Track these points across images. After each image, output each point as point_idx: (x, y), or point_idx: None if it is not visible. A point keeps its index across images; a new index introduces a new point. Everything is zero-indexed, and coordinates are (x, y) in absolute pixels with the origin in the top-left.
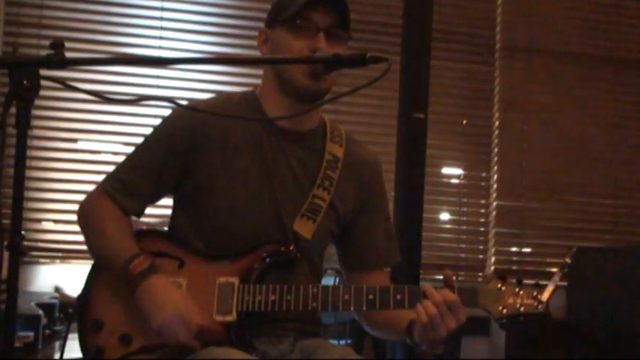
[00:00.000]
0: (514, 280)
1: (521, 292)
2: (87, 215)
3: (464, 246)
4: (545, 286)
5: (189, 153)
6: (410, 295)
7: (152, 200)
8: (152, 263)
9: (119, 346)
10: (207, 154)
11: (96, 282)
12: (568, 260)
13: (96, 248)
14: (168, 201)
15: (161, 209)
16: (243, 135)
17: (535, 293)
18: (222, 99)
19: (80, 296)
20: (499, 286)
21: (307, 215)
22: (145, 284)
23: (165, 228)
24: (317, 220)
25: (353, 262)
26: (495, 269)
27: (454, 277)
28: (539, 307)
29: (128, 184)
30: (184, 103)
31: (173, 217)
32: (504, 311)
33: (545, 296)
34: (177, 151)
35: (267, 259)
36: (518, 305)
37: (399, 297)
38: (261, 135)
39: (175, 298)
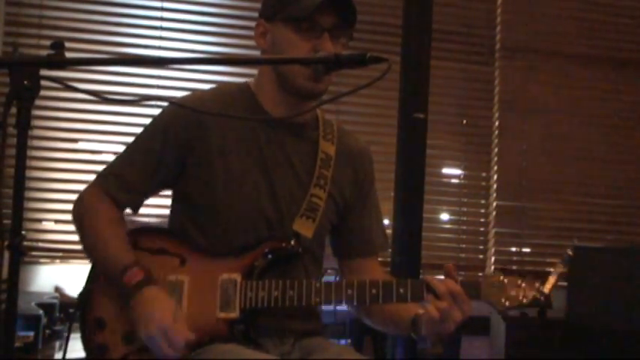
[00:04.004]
0: (516, 273)
1: (523, 285)
2: (82, 213)
3: (464, 246)
4: (547, 277)
5: (186, 146)
6: (412, 288)
7: (149, 195)
8: (146, 275)
9: (122, 344)
10: (203, 146)
11: (97, 280)
12: (570, 252)
13: (91, 251)
14: (167, 201)
15: (161, 209)
16: (242, 129)
17: (537, 285)
18: (219, 92)
19: (82, 294)
20: (501, 278)
21: (307, 215)
22: (139, 297)
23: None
24: (316, 218)
25: (348, 249)
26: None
27: (455, 271)
28: (542, 298)
29: (124, 179)
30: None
31: (172, 214)
32: (507, 303)
33: (547, 287)
34: (173, 144)
35: (269, 255)
36: (520, 297)
37: (401, 290)
38: (257, 128)
39: (163, 314)
